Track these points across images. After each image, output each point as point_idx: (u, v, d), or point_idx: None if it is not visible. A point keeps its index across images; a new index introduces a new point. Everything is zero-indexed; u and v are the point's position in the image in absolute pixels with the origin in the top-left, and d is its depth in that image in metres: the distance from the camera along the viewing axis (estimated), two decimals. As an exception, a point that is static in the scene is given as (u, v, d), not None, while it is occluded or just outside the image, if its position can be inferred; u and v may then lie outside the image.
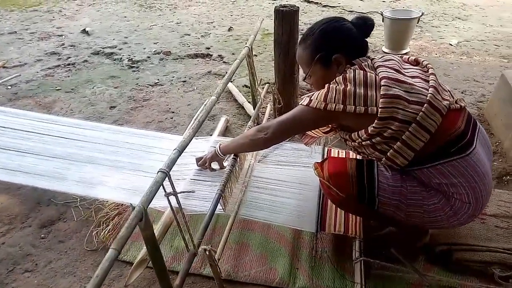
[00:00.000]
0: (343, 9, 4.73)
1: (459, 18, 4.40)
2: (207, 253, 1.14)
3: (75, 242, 1.57)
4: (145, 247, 1.33)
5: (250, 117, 2.09)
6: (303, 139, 1.61)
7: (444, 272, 1.40)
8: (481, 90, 2.77)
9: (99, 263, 0.78)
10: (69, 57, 3.42)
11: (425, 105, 1.11)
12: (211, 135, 2.09)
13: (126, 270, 1.44)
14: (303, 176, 1.66)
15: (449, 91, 1.23)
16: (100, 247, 1.54)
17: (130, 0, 5.17)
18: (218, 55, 3.45)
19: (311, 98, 1.21)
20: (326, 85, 1.20)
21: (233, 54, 3.46)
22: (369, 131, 1.15)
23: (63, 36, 3.91)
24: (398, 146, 1.13)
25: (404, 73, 1.21)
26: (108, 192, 1.52)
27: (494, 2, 4.95)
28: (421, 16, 3.35)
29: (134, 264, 1.37)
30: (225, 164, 1.54)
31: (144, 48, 3.62)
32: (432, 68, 1.25)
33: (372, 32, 1.31)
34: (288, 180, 1.65)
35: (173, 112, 2.56)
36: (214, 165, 1.54)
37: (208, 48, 3.60)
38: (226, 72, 1.76)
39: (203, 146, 1.74)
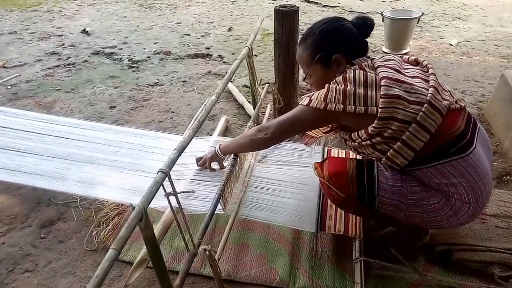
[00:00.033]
0: (343, 9, 4.73)
1: (459, 18, 4.40)
2: (207, 253, 1.14)
3: (75, 242, 1.58)
4: (145, 247, 1.33)
5: (250, 117, 2.09)
6: (303, 139, 1.61)
7: (444, 272, 1.41)
8: (481, 90, 2.77)
9: (99, 263, 0.78)
10: (69, 57, 3.42)
11: (425, 105, 1.11)
12: (211, 135, 2.09)
13: (126, 270, 1.44)
14: (303, 176, 1.66)
15: (449, 91, 1.23)
16: (100, 247, 1.54)
17: (130, 0, 5.17)
18: (218, 55, 3.45)
19: (311, 98, 1.21)
20: (326, 85, 1.20)
21: (233, 54, 3.46)
22: (369, 131, 1.15)
23: (63, 36, 3.91)
24: (398, 146, 1.13)
25: (404, 73, 1.21)
26: (108, 192, 1.52)
27: (494, 2, 4.95)
28: (421, 16, 3.35)
29: (134, 264, 1.37)
30: (225, 164, 1.54)
31: (144, 48, 3.62)
32: (432, 68, 1.25)
33: (372, 32, 1.31)
34: (288, 180, 1.65)
35: (173, 112, 2.56)
36: (214, 165, 1.54)
37: (208, 48, 3.60)
38: (226, 72, 1.76)
39: (203, 146, 1.74)
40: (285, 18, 2.03)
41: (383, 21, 3.38)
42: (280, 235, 1.57)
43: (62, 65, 3.28)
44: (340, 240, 1.52)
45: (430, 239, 1.46)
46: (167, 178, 1.05)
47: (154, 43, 3.74)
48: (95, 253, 1.52)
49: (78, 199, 1.74)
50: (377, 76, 1.17)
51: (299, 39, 1.38)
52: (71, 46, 3.67)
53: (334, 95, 1.16)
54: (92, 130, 1.86)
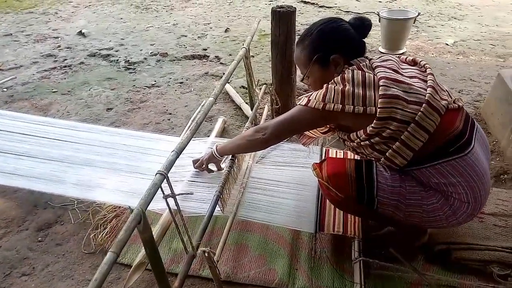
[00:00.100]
0: (340, 9, 4.74)
1: (455, 18, 4.42)
2: (206, 254, 1.14)
3: (72, 245, 1.56)
4: (143, 249, 1.33)
5: (248, 118, 2.09)
6: (301, 139, 1.61)
7: (443, 271, 1.41)
8: (478, 89, 2.78)
9: (97, 266, 0.78)
10: (65, 59, 3.41)
11: (424, 105, 1.11)
12: (208, 136, 2.09)
13: (124, 272, 1.43)
14: (302, 177, 1.66)
15: (447, 91, 1.23)
16: (98, 250, 1.53)
17: (126, 1, 5.16)
18: (215, 56, 3.45)
19: (310, 98, 1.21)
20: (325, 86, 1.20)
21: (230, 55, 3.46)
22: (368, 131, 1.15)
23: (59, 38, 3.89)
24: (397, 146, 1.13)
25: (402, 73, 1.21)
26: (105, 195, 1.51)
27: (489, 1, 4.98)
28: (417, 16, 3.36)
29: (132, 267, 1.36)
30: (222, 165, 1.54)
31: (141, 50, 3.61)
32: (430, 68, 1.26)
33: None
34: (287, 180, 1.65)
35: (170, 114, 2.55)
36: (212, 167, 1.53)
37: (205, 49, 3.60)
38: (223, 73, 1.76)
39: (201, 147, 1.73)
40: (282, 19, 2.03)
41: (379, 22, 3.39)
42: (279, 236, 1.57)
43: (58, 67, 3.26)
44: (339, 240, 1.52)
45: (429, 238, 1.47)
46: (165, 180, 1.05)
47: (151, 45, 3.73)
48: (93, 256, 1.51)
49: (75, 202, 1.73)
50: (375, 76, 1.17)
51: (296, 40, 1.38)
52: (67, 48, 3.65)
53: (332, 95, 1.16)
54: (88, 132, 1.85)
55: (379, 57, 1.28)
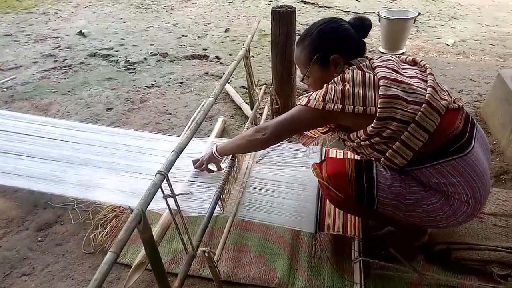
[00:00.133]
0: (340, 9, 4.74)
1: (455, 18, 4.42)
2: (206, 254, 1.14)
3: (72, 245, 1.56)
4: (143, 249, 1.33)
5: (248, 118, 2.09)
6: (301, 139, 1.61)
7: (443, 271, 1.41)
8: (478, 89, 2.78)
9: (97, 265, 0.78)
10: (65, 59, 3.41)
11: (424, 105, 1.11)
12: (208, 136, 2.09)
13: (124, 272, 1.43)
14: (302, 177, 1.66)
15: (447, 91, 1.23)
16: (98, 250, 1.53)
17: (126, 1, 5.16)
18: (215, 56, 3.45)
19: (310, 98, 1.21)
20: (325, 86, 1.20)
21: (230, 55, 3.46)
22: (368, 131, 1.15)
23: (59, 38, 3.89)
24: (397, 146, 1.13)
25: (402, 73, 1.21)
26: (105, 195, 1.51)
27: (489, 1, 4.98)
28: (417, 16, 3.36)
29: (132, 267, 1.36)
30: (222, 165, 1.54)
31: (141, 50, 3.61)
32: (430, 68, 1.26)
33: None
34: (287, 180, 1.65)
35: (170, 114, 2.55)
36: (212, 167, 1.53)
37: (205, 49, 3.60)
38: (223, 73, 1.76)
39: (201, 147, 1.73)
40: (282, 19, 2.03)
41: (379, 22, 3.39)
42: (279, 236, 1.57)
43: (58, 67, 3.26)
44: (339, 240, 1.52)
45: (429, 238, 1.46)
46: (165, 180, 1.05)
47: (151, 45, 3.73)
48: (93, 256, 1.51)
49: (75, 202, 1.73)
50: (375, 76, 1.17)
51: (296, 40, 1.38)
52: (67, 48, 3.65)
53: (332, 95, 1.16)
54: (88, 132, 1.85)
55: (379, 57, 1.28)
